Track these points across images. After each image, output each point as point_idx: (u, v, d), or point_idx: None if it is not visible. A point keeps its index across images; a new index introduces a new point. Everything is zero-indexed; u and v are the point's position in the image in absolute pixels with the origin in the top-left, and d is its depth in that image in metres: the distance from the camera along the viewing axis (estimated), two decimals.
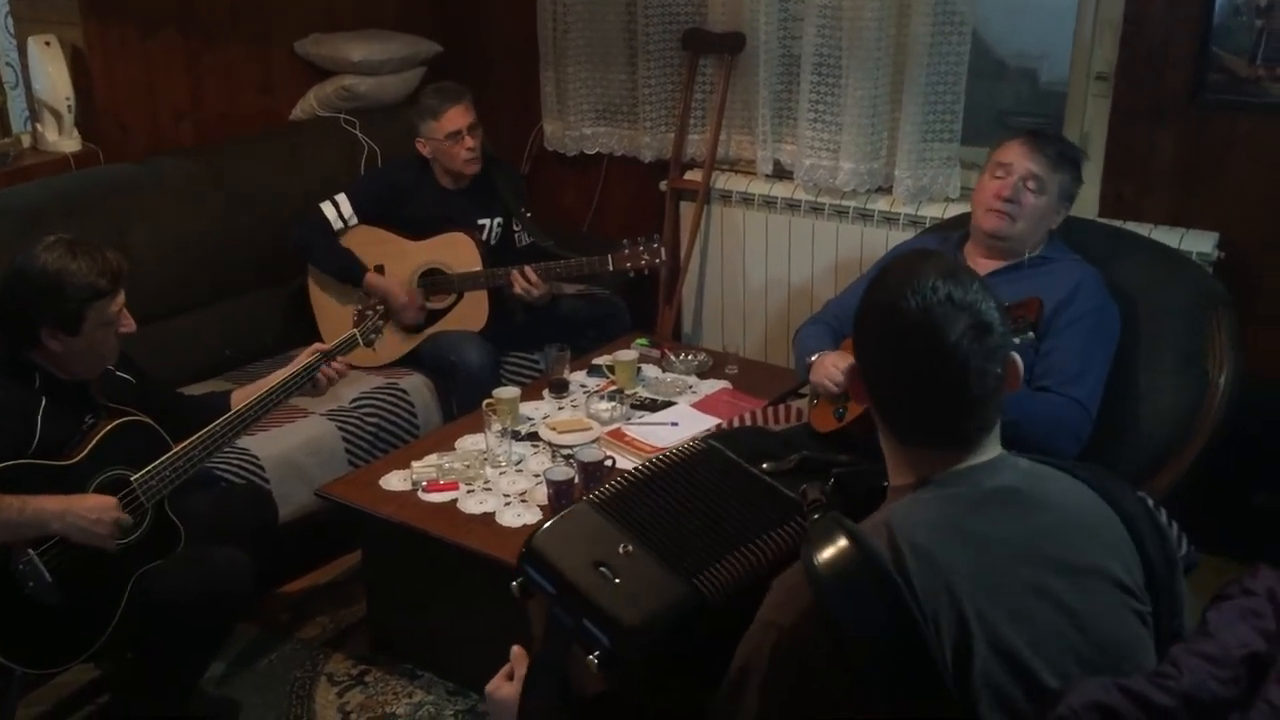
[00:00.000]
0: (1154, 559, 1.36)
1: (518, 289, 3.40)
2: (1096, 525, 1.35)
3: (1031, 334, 2.30)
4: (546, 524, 1.57)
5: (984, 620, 1.23)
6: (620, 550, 1.48)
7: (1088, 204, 3.30)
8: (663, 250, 3.36)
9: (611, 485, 1.62)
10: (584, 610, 1.42)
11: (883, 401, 1.38)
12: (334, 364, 2.75)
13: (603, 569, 1.45)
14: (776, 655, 1.25)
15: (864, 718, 1.19)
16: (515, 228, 3.67)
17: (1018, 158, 2.55)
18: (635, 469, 1.66)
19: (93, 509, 2.23)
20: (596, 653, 1.38)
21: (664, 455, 1.66)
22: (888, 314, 1.32)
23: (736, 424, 2.93)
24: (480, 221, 3.60)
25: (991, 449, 1.35)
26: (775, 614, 1.28)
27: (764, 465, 1.60)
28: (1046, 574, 1.28)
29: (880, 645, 1.18)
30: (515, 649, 1.58)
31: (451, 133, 3.45)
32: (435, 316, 3.56)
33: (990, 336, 1.30)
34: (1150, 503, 1.46)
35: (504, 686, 1.55)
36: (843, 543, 1.23)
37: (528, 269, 3.39)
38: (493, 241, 3.63)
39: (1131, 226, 3.09)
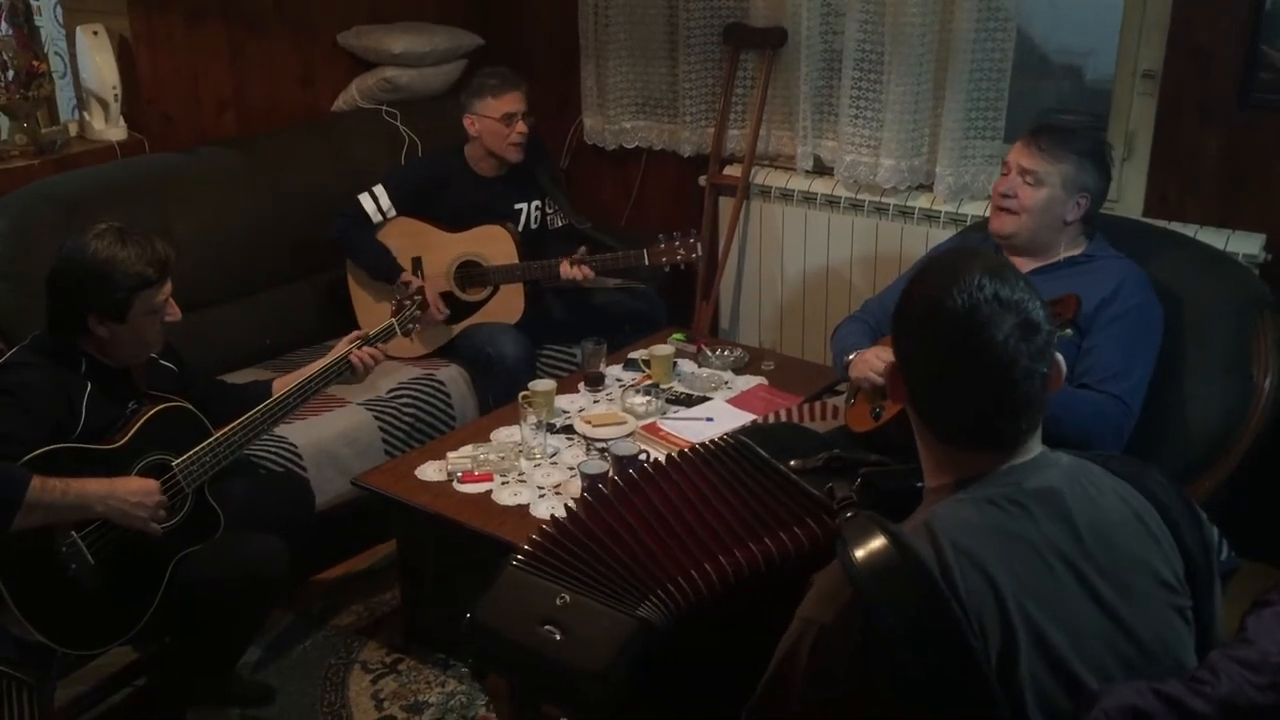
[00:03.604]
0: (1192, 549, 1.35)
1: (565, 275, 3.41)
2: (1136, 522, 1.34)
3: (1070, 331, 2.28)
4: (481, 600, 1.57)
5: (1029, 622, 1.22)
6: (558, 603, 1.47)
7: (1133, 204, 3.26)
8: (700, 245, 3.36)
9: (533, 540, 1.63)
10: (543, 671, 1.42)
11: (923, 401, 1.36)
12: (369, 348, 2.76)
13: (548, 627, 1.45)
14: (817, 652, 1.24)
15: (905, 718, 1.18)
16: (549, 210, 3.69)
17: (1014, 154, 2.56)
18: (577, 500, 1.66)
19: (135, 492, 2.26)
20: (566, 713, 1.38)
21: (685, 451, 1.66)
22: (932, 312, 1.30)
23: (772, 420, 2.92)
24: (517, 207, 3.62)
25: (1034, 448, 1.34)
26: (813, 611, 1.26)
27: (792, 462, 1.59)
28: (1089, 575, 1.27)
29: (922, 646, 1.17)
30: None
31: (508, 114, 3.47)
32: (472, 308, 3.57)
33: (1038, 335, 1.28)
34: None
35: None
36: (881, 541, 1.22)
37: (576, 259, 3.40)
38: (533, 225, 3.65)
39: (1177, 227, 3.05)
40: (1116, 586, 1.28)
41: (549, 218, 3.70)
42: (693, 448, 1.68)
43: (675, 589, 1.43)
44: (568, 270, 3.41)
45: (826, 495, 1.49)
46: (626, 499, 1.60)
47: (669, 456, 1.68)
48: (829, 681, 1.23)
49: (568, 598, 1.47)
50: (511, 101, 3.48)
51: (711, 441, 1.68)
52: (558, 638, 1.43)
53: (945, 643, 1.17)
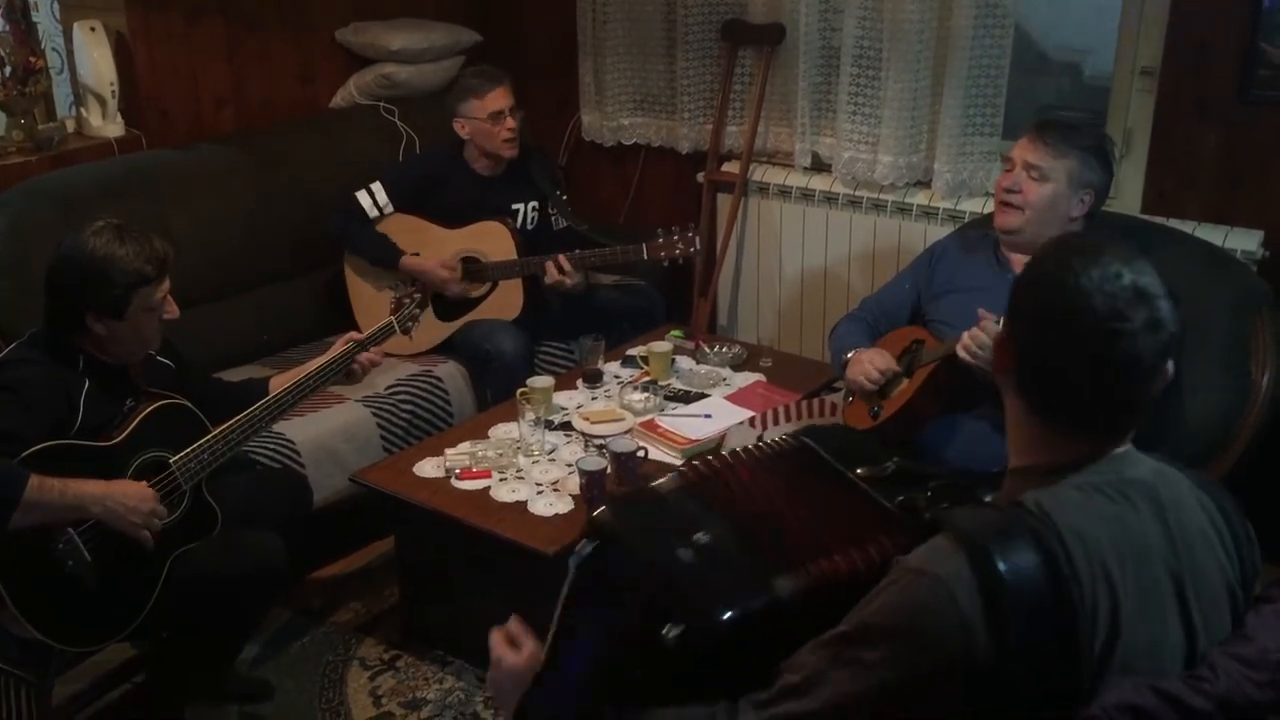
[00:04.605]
0: (1246, 562, 1.34)
1: (550, 279, 3.40)
2: (1210, 528, 1.33)
3: None
4: (621, 498, 1.54)
5: (1128, 612, 1.21)
6: (696, 537, 1.42)
7: (1131, 200, 3.26)
8: (698, 240, 3.35)
9: (697, 468, 1.57)
10: (660, 588, 1.38)
11: (1034, 380, 1.31)
12: (369, 354, 2.76)
13: (681, 550, 1.40)
14: (927, 608, 1.18)
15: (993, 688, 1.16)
16: (551, 212, 3.68)
17: (1019, 149, 2.55)
18: (723, 456, 1.60)
19: (131, 496, 2.25)
20: (670, 628, 1.32)
21: (756, 446, 1.61)
22: (1066, 294, 1.26)
23: (770, 416, 2.91)
24: (515, 207, 3.61)
25: (1128, 441, 1.32)
26: (927, 564, 1.21)
27: (858, 470, 1.54)
28: (1180, 574, 1.26)
29: (1033, 622, 1.15)
30: (515, 622, 1.56)
31: (494, 112, 3.46)
32: (470, 304, 3.57)
33: (1163, 330, 1.26)
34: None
35: (508, 655, 1.52)
36: (996, 514, 1.20)
37: (561, 258, 3.39)
38: (529, 226, 3.64)
39: (1175, 223, 3.05)
40: (1198, 591, 1.27)
41: (551, 219, 3.69)
42: (756, 445, 1.64)
43: (814, 572, 1.37)
44: (552, 272, 3.40)
45: (901, 508, 1.43)
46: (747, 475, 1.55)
47: (734, 451, 1.62)
48: (929, 638, 1.18)
49: (706, 537, 1.42)
50: (496, 99, 3.47)
51: (775, 441, 1.65)
52: (689, 560, 1.38)
53: (1054, 622, 1.16)
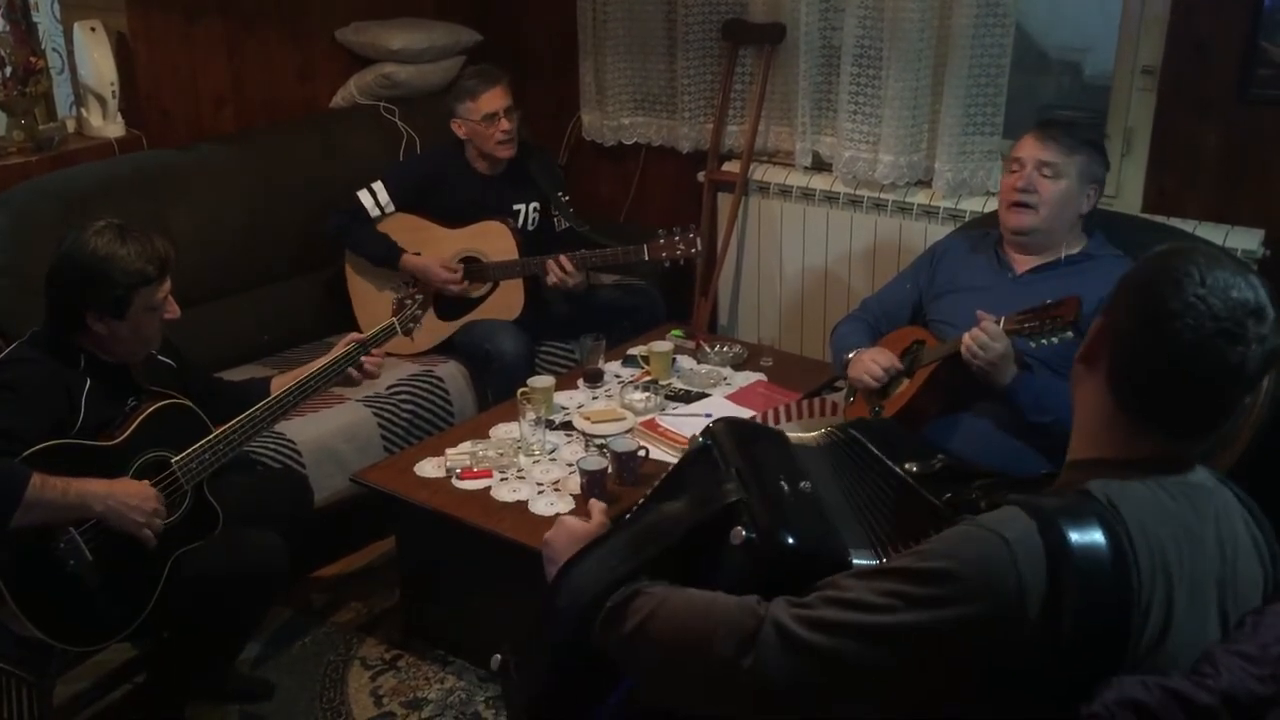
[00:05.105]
0: (1276, 576, 1.35)
1: (553, 278, 3.41)
2: (1252, 539, 1.33)
3: (1070, 333, 2.28)
4: (751, 425, 1.62)
5: (1181, 610, 1.21)
6: (800, 484, 1.45)
7: (1131, 199, 3.26)
8: (698, 240, 3.35)
9: (821, 436, 1.62)
10: (748, 495, 1.41)
11: (1134, 377, 1.28)
12: (370, 360, 2.75)
13: (783, 482, 1.44)
14: (987, 563, 1.17)
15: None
16: (553, 213, 3.68)
17: (1028, 149, 2.55)
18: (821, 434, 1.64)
19: (134, 495, 2.25)
20: (741, 530, 1.36)
21: (822, 434, 1.64)
22: (1185, 291, 1.23)
23: (771, 415, 2.92)
24: (516, 207, 3.61)
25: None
26: (996, 525, 1.20)
27: (908, 465, 1.54)
28: (1224, 580, 1.26)
29: (1090, 599, 1.14)
30: (595, 503, 1.64)
31: (488, 114, 3.46)
32: (471, 304, 3.57)
33: (1268, 344, 1.25)
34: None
35: (576, 520, 1.57)
36: (1074, 500, 1.21)
37: (563, 258, 3.39)
38: (530, 227, 3.64)
39: (1176, 223, 3.05)
40: (1239, 609, 1.27)
41: (553, 220, 3.69)
42: (816, 434, 1.65)
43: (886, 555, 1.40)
44: (553, 272, 3.41)
45: (948, 504, 1.44)
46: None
47: (826, 430, 1.66)
48: (982, 591, 1.17)
49: (810, 488, 1.45)
50: (490, 100, 3.46)
51: (824, 433, 1.65)
52: (786, 492, 1.42)
53: (1110, 604, 1.15)
